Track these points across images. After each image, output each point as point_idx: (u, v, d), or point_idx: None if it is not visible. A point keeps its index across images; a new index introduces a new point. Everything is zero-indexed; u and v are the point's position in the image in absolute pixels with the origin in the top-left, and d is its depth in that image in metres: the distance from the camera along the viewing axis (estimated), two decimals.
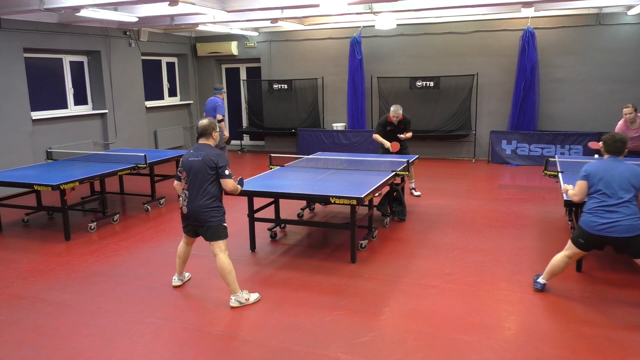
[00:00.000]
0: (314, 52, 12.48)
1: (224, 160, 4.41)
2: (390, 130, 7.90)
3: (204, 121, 4.52)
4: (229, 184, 4.41)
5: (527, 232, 6.34)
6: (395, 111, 7.73)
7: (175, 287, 4.88)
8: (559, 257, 4.51)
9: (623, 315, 4.14)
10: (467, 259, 5.47)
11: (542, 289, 4.60)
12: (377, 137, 7.99)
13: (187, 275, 5.05)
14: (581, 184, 4.36)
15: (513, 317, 4.19)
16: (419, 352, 3.68)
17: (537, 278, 4.68)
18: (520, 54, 10.54)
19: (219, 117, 9.08)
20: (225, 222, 4.49)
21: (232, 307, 4.40)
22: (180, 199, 4.50)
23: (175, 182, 4.64)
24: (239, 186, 4.61)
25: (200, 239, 4.68)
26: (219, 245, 4.45)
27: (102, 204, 7.14)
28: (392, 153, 7.80)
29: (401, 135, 7.82)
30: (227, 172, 4.38)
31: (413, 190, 8.32)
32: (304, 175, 6.46)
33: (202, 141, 4.50)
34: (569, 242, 4.44)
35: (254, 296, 4.53)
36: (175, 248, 5.94)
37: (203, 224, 4.41)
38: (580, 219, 4.33)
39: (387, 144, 7.86)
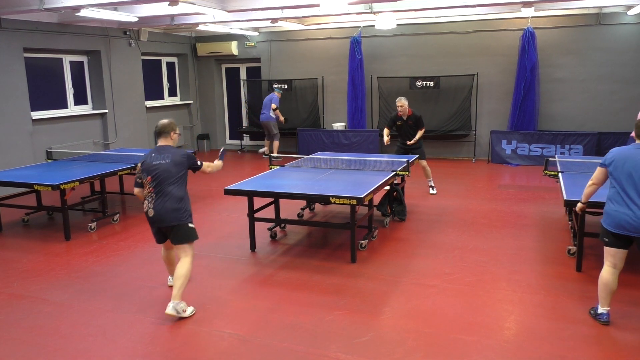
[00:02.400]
0: (314, 52, 12.48)
1: (191, 156, 4.42)
2: (400, 125, 7.93)
3: (163, 121, 4.40)
4: (205, 169, 4.54)
5: (527, 232, 6.34)
6: (399, 101, 7.75)
7: (172, 287, 4.78)
8: (603, 272, 4.05)
9: (623, 315, 4.14)
10: (467, 258, 5.47)
11: (608, 320, 4.00)
12: (385, 130, 8.07)
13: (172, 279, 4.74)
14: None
15: (513, 317, 4.19)
16: (419, 352, 3.68)
17: (597, 310, 4.08)
18: (520, 53, 10.54)
19: (273, 106, 11.42)
20: (192, 224, 4.34)
21: (168, 314, 4.16)
22: (146, 202, 4.31)
23: (136, 189, 4.38)
24: (217, 162, 4.77)
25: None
26: (185, 249, 4.30)
27: (102, 204, 7.13)
28: (407, 146, 7.90)
29: (409, 142, 7.83)
30: (198, 162, 4.44)
31: (431, 188, 8.40)
32: (304, 175, 6.46)
33: (162, 142, 4.36)
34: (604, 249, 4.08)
35: (190, 309, 4.31)
36: None
37: (171, 224, 4.25)
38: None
39: (385, 139, 7.94)
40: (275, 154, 11.30)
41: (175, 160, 4.26)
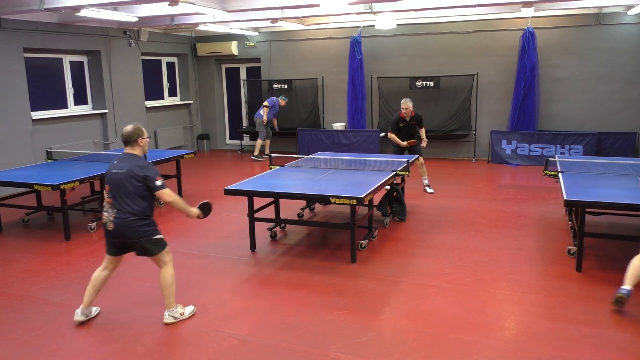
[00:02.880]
0: (314, 52, 12.48)
1: (152, 170, 3.97)
2: (403, 126, 7.96)
3: (128, 128, 4.04)
4: (165, 195, 3.95)
5: (527, 232, 6.34)
6: (404, 103, 7.82)
7: (77, 323, 4.17)
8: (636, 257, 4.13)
9: (623, 315, 4.14)
10: (467, 258, 5.47)
11: (628, 295, 4.09)
12: (392, 136, 8.02)
13: (94, 310, 4.31)
14: None
15: (513, 317, 4.19)
16: (419, 352, 3.68)
17: (620, 288, 4.17)
18: (520, 54, 10.54)
19: (265, 103, 11.73)
20: (159, 234, 4.07)
21: (167, 324, 4.10)
22: (105, 214, 4.03)
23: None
24: (192, 209, 4.15)
25: (130, 260, 4.30)
26: (160, 259, 4.09)
27: (102, 203, 7.12)
28: (407, 149, 8.01)
29: (423, 145, 8.07)
30: (158, 182, 3.93)
31: (427, 187, 8.42)
32: (304, 175, 6.46)
33: (127, 150, 4.05)
34: None
35: (189, 309, 4.24)
36: (174, 248, 5.93)
37: (134, 240, 3.99)
38: None
39: (402, 143, 7.94)
40: (255, 154, 11.78)
41: (131, 171, 3.90)
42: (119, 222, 3.94)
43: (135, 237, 3.98)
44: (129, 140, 4.03)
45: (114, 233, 4.00)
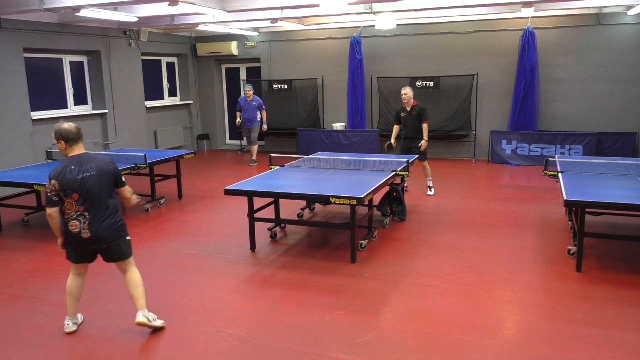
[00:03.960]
0: (314, 52, 12.48)
1: (117, 167, 3.96)
2: (404, 116, 7.91)
3: (71, 124, 3.82)
4: (127, 191, 4.00)
5: (527, 232, 6.34)
6: (403, 89, 7.76)
7: (69, 333, 4.04)
8: None
9: (623, 315, 4.14)
10: (467, 258, 5.47)
11: None
12: (394, 128, 8.01)
13: (80, 317, 4.22)
14: None
15: (513, 317, 4.19)
16: (419, 352, 3.68)
17: None
18: (520, 54, 10.54)
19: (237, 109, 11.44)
20: (128, 235, 4.03)
21: (139, 323, 3.92)
22: (75, 223, 3.79)
23: (53, 209, 3.80)
24: (133, 197, 4.13)
25: (97, 265, 4.14)
26: (130, 261, 4.04)
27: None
28: (413, 146, 7.91)
29: (422, 148, 7.87)
30: (122, 178, 3.98)
31: (429, 189, 8.37)
32: (304, 175, 6.46)
33: (78, 150, 3.82)
34: None
35: (159, 322, 4.07)
36: (174, 248, 5.97)
37: (111, 242, 3.87)
38: None
39: (392, 138, 7.91)
40: (253, 158, 11.45)
41: (102, 170, 3.80)
42: (97, 227, 3.80)
43: (114, 239, 3.87)
44: (81, 135, 3.85)
45: (90, 241, 3.82)
